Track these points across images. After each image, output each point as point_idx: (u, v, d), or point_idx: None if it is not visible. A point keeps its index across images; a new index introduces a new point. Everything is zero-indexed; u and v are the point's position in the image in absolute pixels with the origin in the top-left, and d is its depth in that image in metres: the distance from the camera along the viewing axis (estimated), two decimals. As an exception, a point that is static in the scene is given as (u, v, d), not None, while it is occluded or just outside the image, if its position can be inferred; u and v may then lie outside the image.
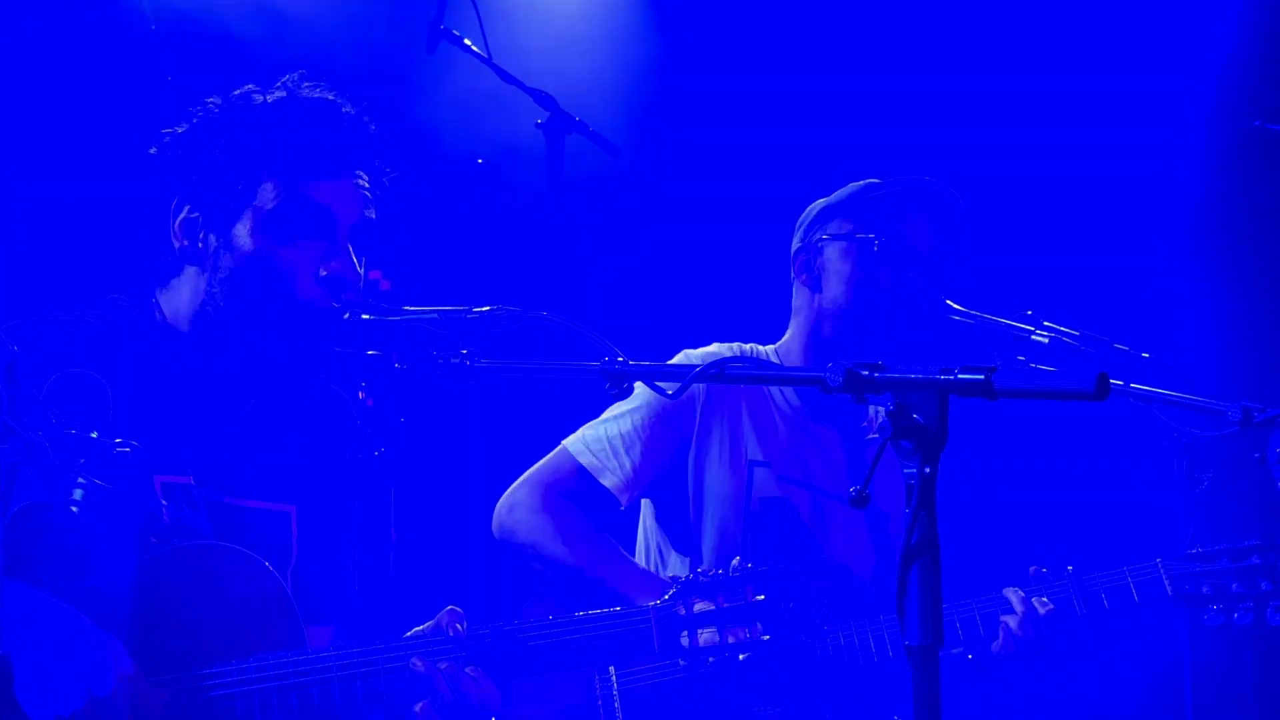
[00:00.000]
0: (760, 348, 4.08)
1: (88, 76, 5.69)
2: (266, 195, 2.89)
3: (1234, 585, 3.57)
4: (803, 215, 4.10)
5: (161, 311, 2.97)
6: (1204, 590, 3.58)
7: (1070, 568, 3.66)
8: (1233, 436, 3.55)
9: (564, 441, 3.95)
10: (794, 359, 4.01)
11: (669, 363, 3.84)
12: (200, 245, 2.92)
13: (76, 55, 5.73)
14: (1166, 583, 3.59)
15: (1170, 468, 3.71)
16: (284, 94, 2.98)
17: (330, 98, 2.99)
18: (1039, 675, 3.78)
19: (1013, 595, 3.64)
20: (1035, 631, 3.60)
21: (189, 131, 2.96)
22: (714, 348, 3.96)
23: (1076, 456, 6.00)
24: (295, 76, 3.02)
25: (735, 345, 4.03)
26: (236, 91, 3.00)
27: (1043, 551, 3.94)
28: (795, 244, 4.07)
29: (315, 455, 3.08)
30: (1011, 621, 3.61)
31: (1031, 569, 3.70)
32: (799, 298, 4.07)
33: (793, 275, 4.07)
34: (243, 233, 2.90)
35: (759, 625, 2.89)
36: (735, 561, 2.96)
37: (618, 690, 3.71)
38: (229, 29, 6.11)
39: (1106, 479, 5.86)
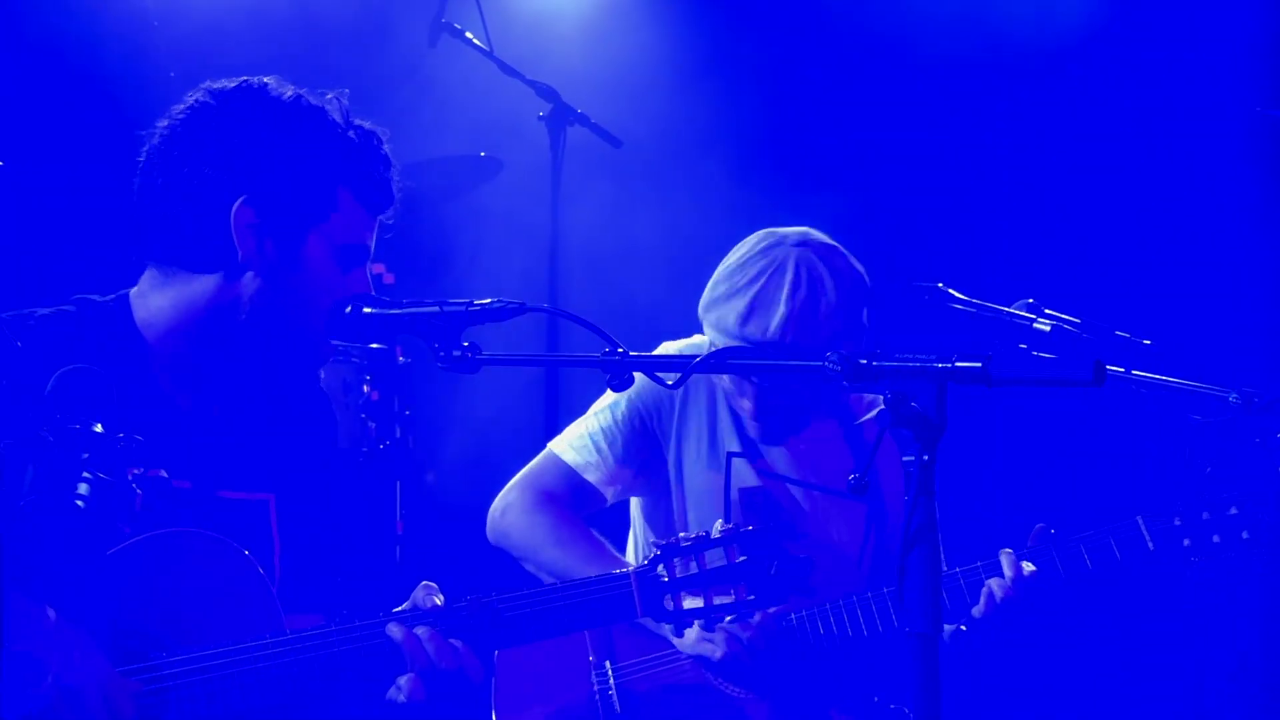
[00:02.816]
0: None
1: (91, 72, 5.70)
2: (336, 225, 2.88)
3: (1215, 536, 3.58)
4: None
5: (146, 301, 2.92)
6: (1185, 544, 3.58)
7: (1052, 530, 3.65)
8: (1234, 422, 3.56)
9: (550, 443, 4.00)
10: None
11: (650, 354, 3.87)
12: (257, 250, 2.85)
13: (80, 51, 5.75)
14: (1148, 539, 3.58)
15: (1172, 453, 3.71)
16: (337, 112, 2.91)
17: (381, 132, 2.97)
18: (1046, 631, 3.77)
19: (1005, 559, 3.62)
20: (1015, 594, 3.59)
21: (254, 126, 2.86)
22: (696, 339, 3.95)
23: (1079, 444, 6.00)
24: (344, 92, 2.97)
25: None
26: (287, 91, 2.90)
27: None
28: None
29: (290, 442, 3.07)
30: (995, 586, 3.60)
31: (1038, 526, 3.68)
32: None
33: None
34: (308, 252, 2.87)
35: (743, 587, 2.88)
36: (718, 525, 2.94)
37: (615, 685, 3.71)
38: (231, 24, 6.12)
39: (1109, 465, 5.87)
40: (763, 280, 3.67)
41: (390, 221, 3.00)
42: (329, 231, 2.88)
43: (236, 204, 2.82)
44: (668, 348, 3.96)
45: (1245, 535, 3.55)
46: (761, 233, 3.83)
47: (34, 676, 2.53)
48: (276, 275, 2.87)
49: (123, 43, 5.79)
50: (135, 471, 2.77)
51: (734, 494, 3.86)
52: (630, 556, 4.04)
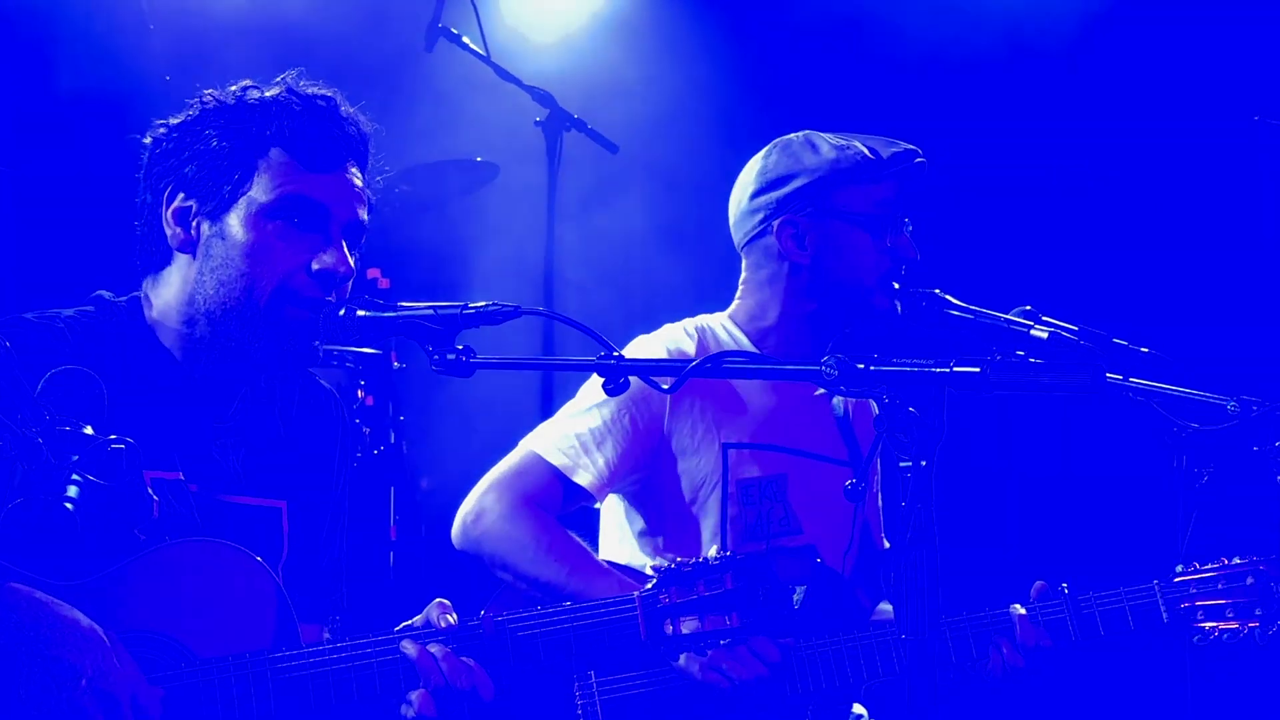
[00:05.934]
0: (712, 322, 3.92)
1: (86, 75, 5.69)
2: (262, 186, 2.88)
3: (1229, 611, 3.56)
4: (777, 178, 3.89)
5: (150, 304, 2.95)
6: (1198, 616, 3.57)
7: (1065, 586, 3.61)
8: (1232, 430, 3.55)
9: (525, 443, 3.78)
10: (774, 336, 3.88)
11: (624, 351, 3.79)
12: (193, 234, 2.91)
13: (75, 54, 5.74)
14: (1163, 610, 3.57)
15: (1170, 462, 3.69)
16: (281, 89, 2.97)
17: (328, 93, 2.98)
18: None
19: (1019, 623, 3.57)
20: (1028, 665, 3.56)
21: (186, 122, 2.95)
22: (666, 329, 3.89)
23: (1076, 452, 5.99)
24: (294, 74, 3.01)
25: (685, 323, 3.92)
26: (234, 86, 2.99)
27: (1042, 549, 3.92)
28: (774, 214, 3.86)
29: (305, 450, 3.08)
30: (1008, 651, 3.56)
31: (1036, 586, 3.64)
32: (770, 266, 3.89)
33: (774, 242, 3.84)
34: (236, 222, 2.88)
35: (735, 614, 2.90)
36: (714, 550, 2.96)
37: (599, 701, 3.62)
38: (227, 29, 6.12)
39: (1106, 474, 5.86)
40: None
41: (358, 180, 2.96)
42: (259, 191, 2.88)
43: (165, 191, 2.91)
44: (642, 341, 3.89)
45: (1259, 613, 3.54)
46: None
47: (69, 680, 2.53)
48: (211, 250, 2.89)
49: (119, 47, 5.78)
50: (153, 475, 2.78)
51: (732, 486, 3.77)
52: (608, 552, 3.91)
